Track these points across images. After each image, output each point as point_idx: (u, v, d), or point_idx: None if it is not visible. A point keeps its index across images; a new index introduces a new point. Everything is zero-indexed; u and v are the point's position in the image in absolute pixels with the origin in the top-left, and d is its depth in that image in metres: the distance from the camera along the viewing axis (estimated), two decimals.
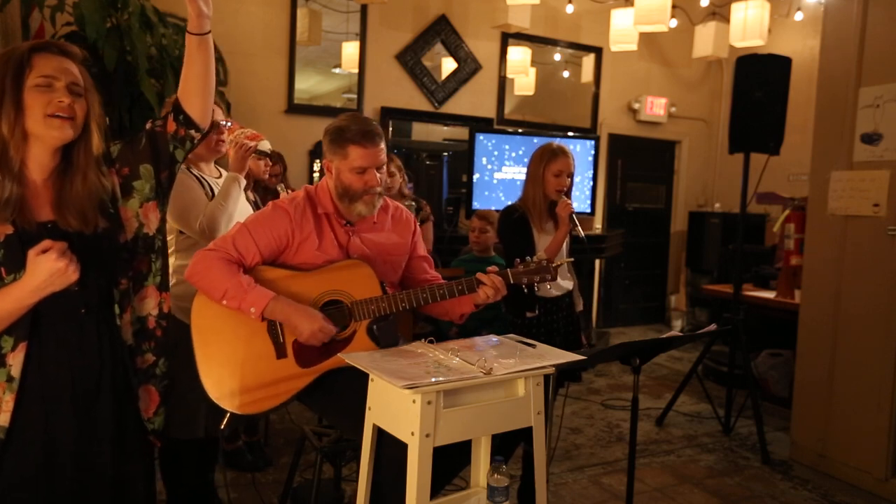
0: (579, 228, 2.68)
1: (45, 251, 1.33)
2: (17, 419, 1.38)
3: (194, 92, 1.60)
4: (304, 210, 1.97)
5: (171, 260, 2.30)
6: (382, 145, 1.97)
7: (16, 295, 1.35)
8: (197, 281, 1.86)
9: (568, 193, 2.74)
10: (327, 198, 2.01)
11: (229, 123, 2.50)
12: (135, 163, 1.57)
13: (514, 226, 2.73)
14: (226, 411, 1.87)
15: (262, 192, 3.40)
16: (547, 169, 2.69)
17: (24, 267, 1.35)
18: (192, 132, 1.62)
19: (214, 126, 2.17)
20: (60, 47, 1.46)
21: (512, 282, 2.00)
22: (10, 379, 1.38)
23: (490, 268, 2.02)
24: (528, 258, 2.04)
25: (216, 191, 2.37)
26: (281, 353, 1.89)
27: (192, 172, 2.36)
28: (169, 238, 2.29)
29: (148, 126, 1.61)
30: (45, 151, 1.45)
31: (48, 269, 1.33)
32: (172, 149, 1.60)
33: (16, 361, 1.38)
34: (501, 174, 5.31)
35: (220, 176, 2.48)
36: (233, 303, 1.81)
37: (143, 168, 1.57)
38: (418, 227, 2.21)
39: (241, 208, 2.49)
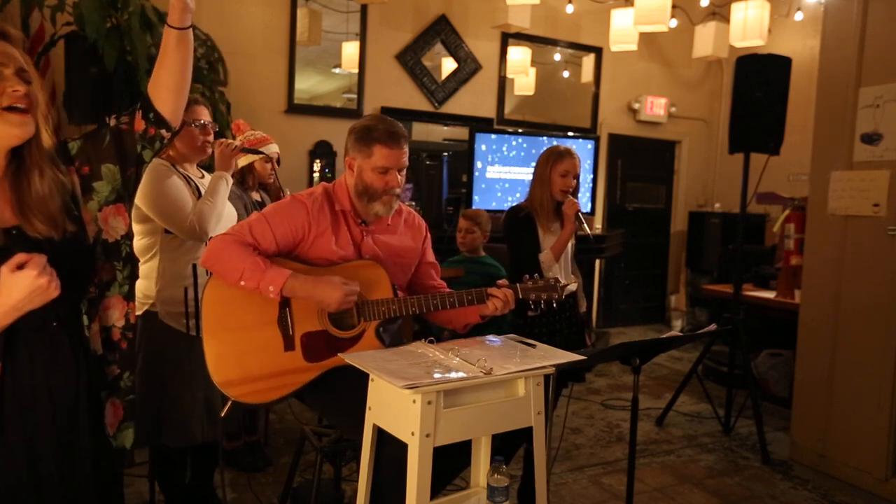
0: (586, 227, 2.70)
1: (20, 266, 1.19)
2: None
3: (169, 89, 1.48)
4: (322, 205, 1.98)
5: (156, 262, 2.27)
6: (406, 148, 1.99)
7: None
8: (213, 264, 1.87)
9: (574, 194, 2.76)
10: (345, 195, 2.02)
11: (212, 124, 2.46)
12: (97, 162, 1.44)
13: (520, 225, 2.74)
14: (227, 399, 1.88)
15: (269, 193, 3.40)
16: (553, 170, 2.72)
17: None
18: (163, 131, 1.51)
19: (184, 125, 2.11)
20: (0, 31, 1.32)
21: (521, 297, 2.02)
22: None
23: (501, 281, 2.04)
24: (535, 275, 2.07)
25: (202, 191, 2.35)
26: (289, 345, 1.89)
27: (177, 170, 2.32)
28: (153, 239, 2.27)
29: (112, 123, 1.49)
30: None
31: (28, 287, 1.19)
32: (140, 149, 1.49)
33: None
34: (501, 174, 5.31)
35: (203, 177, 2.45)
36: (251, 282, 1.81)
37: (106, 168, 1.45)
38: (429, 233, 2.23)
39: (228, 209, 2.47)
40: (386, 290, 1.95)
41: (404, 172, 2.02)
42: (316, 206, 1.97)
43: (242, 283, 1.82)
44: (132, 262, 1.52)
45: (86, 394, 1.41)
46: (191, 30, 1.49)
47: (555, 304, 2.09)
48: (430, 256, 2.22)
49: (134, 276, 1.53)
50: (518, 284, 2.03)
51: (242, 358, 1.86)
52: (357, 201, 2.01)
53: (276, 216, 1.94)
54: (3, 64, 1.28)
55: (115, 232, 1.47)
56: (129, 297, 1.51)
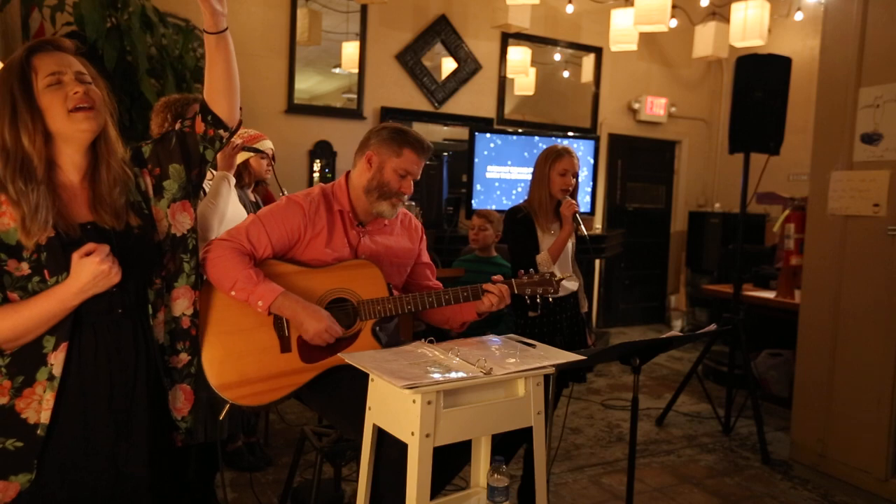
0: (583, 227, 2.70)
1: (88, 254, 1.35)
2: (58, 417, 1.41)
3: (219, 91, 1.60)
4: (319, 206, 1.99)
5: None
6: (425, 162, 2.08)
7: (60, 296, 1.37)
8: (208, 269, 1.87)
9: (574, 194, 2.75)
10: (344, 196, 2.04)
11: None
12: (165, 162, 1.59)
13: (519, 225, 2.74)
14: (225, 402, 1.88)
15: (263, 194, 3.40)
16: (552, 169, 2.72)
17: (66, 269, 1.38)
18: (221, 132, 1.63)
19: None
20: (54, 43, 1.47)
21: (516, 292, 2.04)
22: (51, 377, 1.40)
23: (496, 277, 2.05)
24: (531, 270, 2.08)
25: (207, 192, 2.36)
26: (285, 347, 1.89)
27: None
28: None
29: (177, 126, 1.64)
30: (77, 150, 1.47)
31: (92, 272, 1.35)
32: (203, 149, 1.62)
33: (57, 361, 1.40)
34: (501, 174, 5.31)
35: (212, 178, 2.47)
36: (241, 294, 1.82)
37: (173, 168, 1.59)
38: (425, 234, 2.25)
39: (234, 208, 2.47)
40: (381, 289, 1.94)
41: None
42: (312, 207, 1.98)
43: (233, 293, 1.82)
44: (197, 253, 1.65)
45: (145, 381, 1.52)
46: (228, 32, 1.59)
47: (550, 299, 2.09)
48: (426, 257, 2.24)
49: (199, 266, 1.66)
50: (513, 280, 2.04)
51: (239, 360, 1.86)
52: (364, 197, 2.02)
53: (271, 218, 1.95)
54: (63, 72, 1.43)
55: (182, 226, 1.61)
56: (197, 286, 1.65)
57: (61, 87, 1.42)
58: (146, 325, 1.54)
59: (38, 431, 1.40)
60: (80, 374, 1.43)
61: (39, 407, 1.40)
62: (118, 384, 1.47)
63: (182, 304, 1.62)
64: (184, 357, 1.63)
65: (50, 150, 1.44)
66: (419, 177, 2.07)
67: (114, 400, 1.47)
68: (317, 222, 1.97)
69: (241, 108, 1.71)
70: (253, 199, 3.16)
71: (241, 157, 3.04)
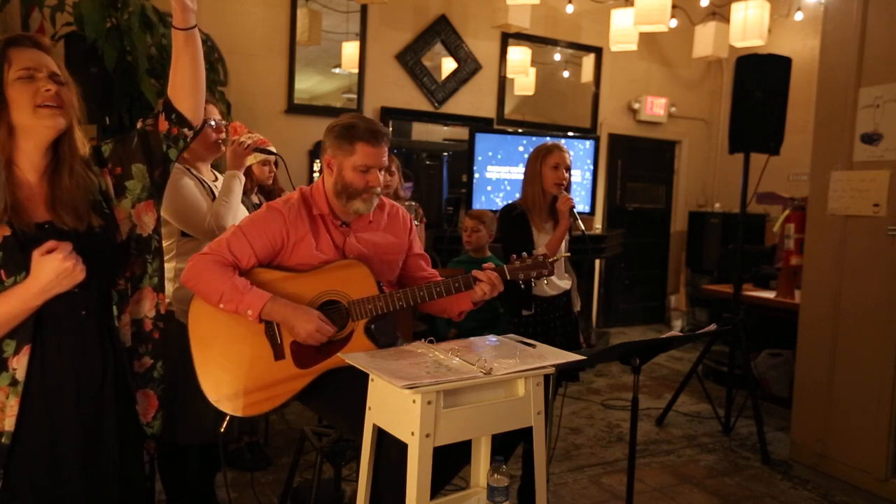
0: (579, 223, 2.68)
1: (50, 251, 1.31)
2: (23, 423, 1.36)
3: (185, 89, 1.57)
4: (299, 210, 1.96)
5: (173, 264, 2.28)
6: (386, 147, 1.97)
7: (21, 297, 1.32)
8: (193, 285, 1.86)
9: (567, 189, 2.75)
10: (322, 199, 2.00)
11: (224, 123, 2.49)
12: (127, 162, 1.54)
13: (514, 223, 2.74)
14: (225, 414, 1.88)
15: (266, 195, 3.39)
16: (544, 164, 2.72)
17: (24, 269, 1.33)
18: (185, 130, 1.59)
19: (205, 123, 2.15)
20: (34, 40, 1.44)
21: (508, 277, 1.98)
22: (14, 383, 1.35)
23: (486, 264, 2.01)
24: (524, 254, 2.03)
25: (215, 193, 2.37)
26: (279, 354, 1.88)
27: (191, 173, 2.35)
28: (169, 242, 2.28)
29: (139, 125, 1.60)
30: (38, 148, 1.42)
31: (55, 270, 1.31)
32: (166, 148, 1.58)
33: (20, 365, 1.35)
34: (501, 174, 5.31)
35: (217, 179, 2.47)
36: (230, 305, 1.81)
37: (136, 167, 1.55)
38: (414, 224, 2.21)
39: (241, 209, 2.48)
40: (370, 287, 1.92)
41: (384, 172, 2.00)
42: (292, 212, 1.95)
43: (221, 305, 1.82)
44: (161, 255, 1.61)
45: (112, 383, 1.48)
46: (196, 29, 1.55)
47: (546, 281, 2.06)
48: (418, 248, 2.19)
49: (162, 269, 1.62)
50: (505, 266, 2.00)
51: (234, 372, 1.85)
52: (336, 201, 1.98)
53: (252, 228, 1.92)
54: (37, 69, 1.41)
55: (147, 227, 1.58)
56: (159, 288, 1.60)
57: (32, 83, 1.38)
58: (111, 326, 1.50)
59: (3, 440, 1.34)
60: (45, 377, 1.38)
61: (3, 414, 1.34)
62: (85, 386, 1.42)
63: (145, 305, 1.58)
64: (147, 361, 1.59)
65: (10, 145, 1.39)
66: (385, 164, 1.98)
67: (81, 403, 1.42)
68: (299, 227, 1.94)
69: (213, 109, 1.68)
70: (258, 201, 3.16)
71: (251, 159, 3.04)
